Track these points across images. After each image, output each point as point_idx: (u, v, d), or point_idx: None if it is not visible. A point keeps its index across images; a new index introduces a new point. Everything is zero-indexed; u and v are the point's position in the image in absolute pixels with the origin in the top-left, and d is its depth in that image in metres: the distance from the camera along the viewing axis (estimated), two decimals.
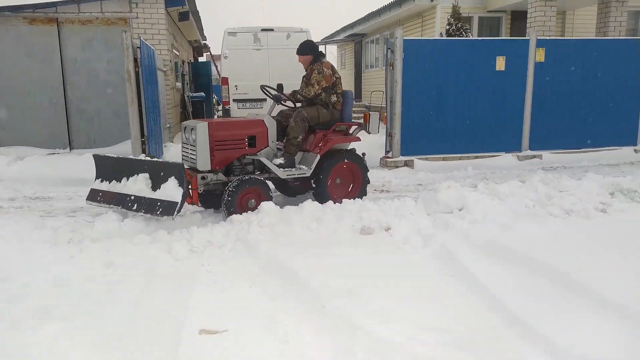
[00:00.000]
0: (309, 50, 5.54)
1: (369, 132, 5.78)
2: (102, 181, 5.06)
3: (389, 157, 7.71)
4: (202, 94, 14.63)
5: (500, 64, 7.85)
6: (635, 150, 8.34)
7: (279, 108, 5.84)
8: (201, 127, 4.89)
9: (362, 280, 3.37)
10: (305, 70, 5.58)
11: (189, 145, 5.10)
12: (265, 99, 9.45)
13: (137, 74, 7.10)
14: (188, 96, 13.84)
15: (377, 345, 2.56)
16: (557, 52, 7.97)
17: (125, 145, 8.20)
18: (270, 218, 4.60)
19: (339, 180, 5.60)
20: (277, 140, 5.39)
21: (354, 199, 5.19)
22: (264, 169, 5.34)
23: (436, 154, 7.81)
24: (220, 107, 14.53)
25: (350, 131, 5.74)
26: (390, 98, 7.66)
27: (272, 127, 5.31)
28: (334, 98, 5.53)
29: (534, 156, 7.97)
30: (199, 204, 5.27)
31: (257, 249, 4.01)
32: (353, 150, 5.74)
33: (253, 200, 4.97)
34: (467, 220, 4.57)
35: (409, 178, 7.08)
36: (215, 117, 15.25)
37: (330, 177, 5.44)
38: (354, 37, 18.82)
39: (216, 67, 18.41)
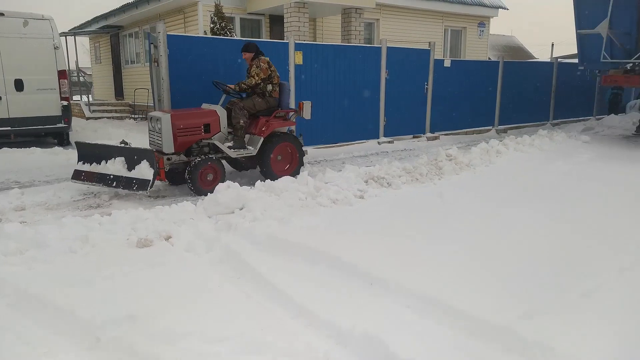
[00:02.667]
0: (251, 49, 6.65)
1: (304, 118, 6.96)
2: (83, 163, 6.01)
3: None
4: None
5: None
6: (378, 143, 9.78)
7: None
8: (165, 118, 5.88)
9: (143, 301, 3.07)
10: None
11: (154, 132, 6.05)
12: None
13: None
14: None
15: None
16: (313, 55, 8.74)
17: None
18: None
19: (280, 158, 6.69)
20: (228, 126, 6.44)
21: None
22: (218, 150, 6.24)
23: None
24: None
25: (288, 117, 6.89)
26: (158, 97, 7.22)
27: (223, 116, 6.36)
28: (269, 87, 6.59)
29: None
30: (166, 180, 6.19)
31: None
32: (291, 133, 6.98)
33: (211, 175, 6.01)
34: (248, 219, 4.63)
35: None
36: None
37: (273, 155, 6.53)
38: (109, 30, 17.20)
39: None
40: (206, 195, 5.19)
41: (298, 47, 8.57)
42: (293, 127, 7.58)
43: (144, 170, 5.54)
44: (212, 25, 9.78)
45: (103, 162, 5.85)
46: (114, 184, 5.68)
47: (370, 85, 9.64)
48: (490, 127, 12.15)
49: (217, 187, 5.10)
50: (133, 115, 14.95)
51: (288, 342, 2.64)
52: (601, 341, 2.55)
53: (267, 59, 6.62)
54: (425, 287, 3.20)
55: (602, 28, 9.03)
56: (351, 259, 3.65)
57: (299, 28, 11.40)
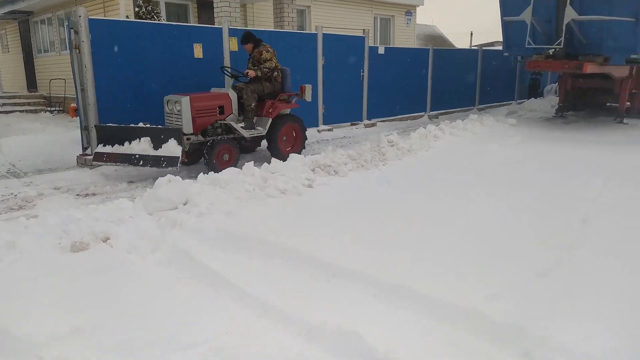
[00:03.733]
0: (251, 39, 7.05)
1: (306, 100, 7.39)
2: (104, 145, 6.09)
3: (88, 155, 6.69)
4: None
5: (198, 51, 7.78)
6: (318, 131, 9.66)
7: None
8: (185, 100, 6.16)
9: (89, 312, 2.75)
10: (250, 54, 7.09)
11: (173, 114, 6.32)
12: None
13: None
14: None
15: None
16: None
17: None
18: None
19: (285, 138, 7.15)
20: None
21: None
22: (229, 131, 6.67)
23: None
24: None
25: (291, 100, 7.27)
26: (80, 86, 6.62)
27: (234, 99, 6.73)
28: (275, 72, 7.02)
29: None
30: (186, 160, 6.31)
31: None
32: (295, 114, 7.29)
33: (227, 155, 6.38)
34: (194, 214, 4.35)
35: (115, 176, 6.31)
36: None
37: (280, 135, 7.01)
38: (16, 15, 15.65)
39: None
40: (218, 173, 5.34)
41: (232, 32, 8.22)
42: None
43: (172, 148, 5.79)
44: (137, 9, 9.14)
45: (126, 143, 6.00)
46: (141, 163, 5.87)
47: (308, 73, 9.48)
48: (423, 113, 12.45)
49: (158, 182, 4.74)
50: (49, 108, 13.77)
51: (258, 343, 2.46)
52: (569, 318, 2.61)
53: (269, 46, 7.09)
54: (387, 274, 3.14)
55: (527, 15, 9.46)
56: (309, 251, 3.52)
57: (230, 14, 10.96)
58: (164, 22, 8.65)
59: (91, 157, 6.54)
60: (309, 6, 15.11)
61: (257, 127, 6.82)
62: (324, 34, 9.62)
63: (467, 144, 7.90)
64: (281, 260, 3.50)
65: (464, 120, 9.28)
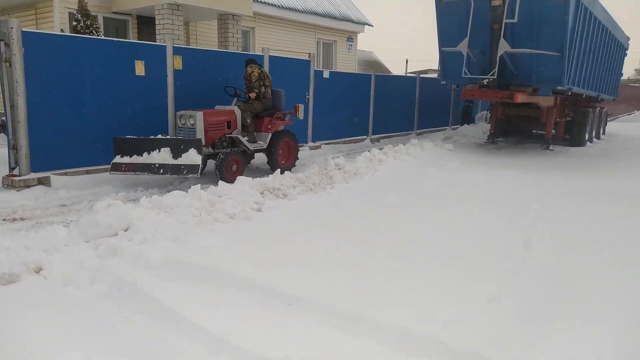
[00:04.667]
0: (251, 62, 7.84)
1: (299, 118, 8.13)
2: (122, 156, 6.48)
3: (15, 176, 6.19)
4: None
5: (140, 68, 7.50)
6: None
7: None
8: (199, 115, 6.76)
9: (22, 355, 2.48)
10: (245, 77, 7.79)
11: (186, 128, 6.83)
12: None
13: None
14: None
15: None
16: (195, 61, 8.24)
17: None
18: None
19: (281, 152, 7.73)
20: None
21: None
22: (234, 144, 7.26)
23: (78, 166, 6.76)
24: None
25: (286, 118, 7.97)
26: (10, 102, 6.14)
27: (238, 115, 7.36)
28: (262, 89, 7.66)
29: None
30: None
31: None
32: (289, 130, 7.97)
33: (235, 166, 6.91)
34: (137, 241, 4.11)
35: (46, 199, 5.85)
36: None
37: (278, 148, 7.63)
38: None
39: None
40: (232, 183, 5.77)
41: (177, 51, 8.01)
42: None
43: (193, 157, 6.18)
44: (75, 24, 8.70)
45: (145, 154, 6.37)
46: (161, 171, 6.25)
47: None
48: (365, 137, 12.68)
49: (96, 207, 4.45)
50: None
51: None
52: (526, 343, 2.67)
53: (259, 67, 7.85)
54: (344, 302, 3.09)
55: (463, 46, 9.97)
56: (263, 280, 3.40)
57: (172, 31, 10.73)
58: (103, 37, 8.28)
59: (19, 177, 6.08)
60: (253, 27, 15.12)
61: (259, 142, 7.50)
62: (270, 56, 9.61)
63: (410, 168, 8.10)
64: (234, 290, 3.35)
65: (406, 145, 9.54)
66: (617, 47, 14.18)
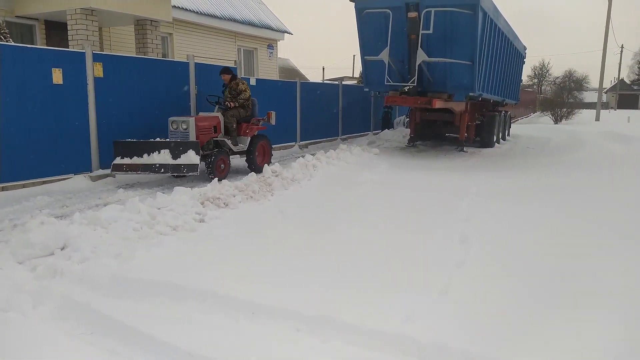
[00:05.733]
0: (229, 72, 8.54)
1: (272, 124, 9.07)
2: (122, 158, 7.12)
3: None
4: None
5: (58, 76, 7.01)
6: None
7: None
8: (191, 120, 7.53)
9: None
10: (226, 84, 8.54)
11: (178, 132, 7.55)
12: None
13: None
14: None
15: None
16: (117, 68, 7.85)
17: None
18: None
19: (257, 153, 8.50)
20: None
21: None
22: (218, 146, 7.97)
23: None
24: None
25: (260, 124, 8.83)
26: None
27: (222, 120, 8.11)
28: (248, 101, 8.53)
29: (107, 175, 7.59)
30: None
31: None
32: (263, 134, 8.90)
33: (223, 165, 7.72)
34: (77, 260, 3.89)
35: None
36: None
37: (257, 150, 8.46)
38: None
39: None
40: (220, 180, 6.42)
41: (97, 57, 7.60)
42: None
43: (192, 157, 6.87)
44: None
45: (145, 155, 7.01)
46: (162, 171, 6.98)
47: (179, 102, 9.16)
48: (294, 143, 12.80)
49: (28, 225, 4.12)
50: None
51: None
52: (489, 334, 2.89)
53: (243, 79, 8.75)
54: (306, 306, 3.14)
55: (384, 55, 10.44)
56: (223, 290, 3.37)
57: (87, 37, 10.11)
58: (13, 43, 7.63)
59: None
60: (171, 34, 14.67)
61: (240, 144, 8.30)
62: (196, 63, 9.41)
63: (343, 172, 8.33)
64: (193, 303, 3.29)
65: (336, 150, 9.78)
66: (517, 56, 15.59)
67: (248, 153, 8.45)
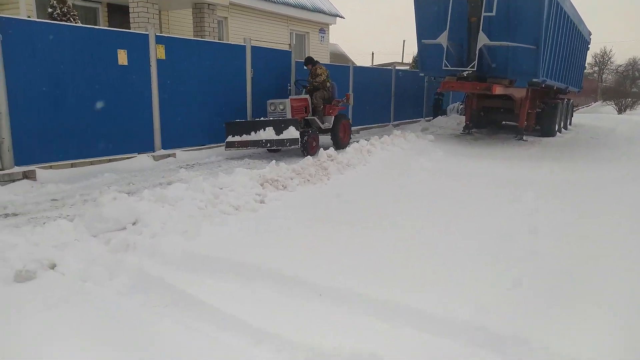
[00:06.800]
0: (311, 61, 9.50)
1: (350, 104, 10.41)
2: (233, 136, 8.18)
3: None
4: None
5: (123, 58, 7.23)
6: None
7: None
8: (287, 101, 8.50)
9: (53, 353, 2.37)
10: (310, 72, 9.42)
11: (276, 112, 8.50)
12: None
13: None
14: None
15: None
16: (178, 51, 8.02)
17: None
18: None
19: (340, 130, 9.44)
20: None
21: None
22: (308, 125, 8.97)
23: (63, 160, 6.48)
24: None
25: (340, 104, 9.71)
26: None
27: (310, 102, 9.09)
28: (328, 83, 9.36)
29: (169, 155, 7.81)
30: None
31: None
32: (345, 114, 10.04)
33: (315, 142, 8.52)
34: (147, 235, 3.99)
35: (35, 193, 5.57)
36: None
37: (339, 128, 9.41)
38: None
39: None
40: (312, 156, 7.34)
41: (159, 40, 7.77)
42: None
43: (293, 132, 7.85)
44: (50, 10, 8.27)
45: (252, 133, 8.02)
46: (268, 145, 8.02)
47: (237, 84, 9.26)
48: None
49: (101, 200, 4.28)
50: None
51: None
52: (563, 326, 2.75)
53: (322, 66, 9.59)
54: (374, 290, 3.10)
55: (443, 39, 10.13)
56: (291, 271, 3.37)
57: (148, 20, 10.38)
58: (79, 24, 7.91)
59: (3, 172, 5.78)
60: (226, 17, 14.82)
61: (326, 123, 9.20)
62: (252, 47, 9.47)
63: (398, 159, 8.20)
64: (260, 282, 3.31)
65: (390, 136, 9.63)
66: (582, 42, 14.76)
67: (332, 131, 9.37)
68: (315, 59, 9.66)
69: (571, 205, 5.32)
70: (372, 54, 61.19)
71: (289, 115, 8.33)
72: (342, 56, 40.24)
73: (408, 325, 2.79)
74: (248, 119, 9.15)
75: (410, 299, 3.00)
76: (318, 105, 9.13)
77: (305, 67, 9.59)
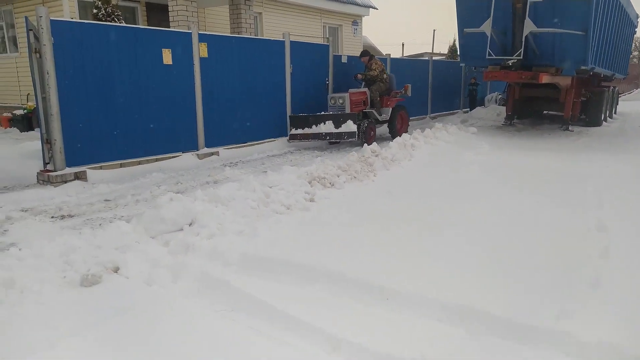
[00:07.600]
0: (367, 54, 9.86)
1: (408, 95, 10.29)
2: (295, 129, 9.00)
3: (51, 171, 5.98)
4: None
5: (167, 57, 7.26)
6: (288, 140, 9.34)
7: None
8: (346, 95, 9.02)
9: None
10: (366, 65, 9.75)
11: (337, 106, 9.06)
12: None
13: None
14: None
15: None
16: (220, 48, 8.01)
17: None
18: None
19: (397, 121, 9.95)
20: None
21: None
22: (366, 117, 9.32)
23: (112, 160, 6.57)
24: None
25: (398, 96, 10.10)
26: (42, 94, 5.91)
27: (368, 95, 9.51)
28: (384, 75, 9.79)
29: (212, 153, 7.83)
30: None
31: None
32: (402, 104, 10.25)
33: (372, 132, 9.08)
34: (204, 236, 3.97)
35: (87, 194, 5.66)
36: None
37: (397, 119, 9.93)
38: None
39: None
40: (370, 145, 7.10)
41: (202, 38, 7.78)
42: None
43: (351, 126, 8.44)
44: (95, 11, 8.40)
45: (313, 126, 8.74)
46: (327, 137, 8.70)
47: (276, 80, 9.22)
48: None
49: (159, 202, 4.27)
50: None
51: None
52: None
53: (378, 60, 9.98)
54: (444, 294, 2.97)
55: (487, 27, 9.81)
56: (353, 274, 3.28)
57: (187, 18, 10.42)
58: (125, 25, 8.01)
59: (55, 173, 5.89)
60: (260, 13, 14.80)
61: (383, 115, 9.62)
62: (291, 42, 9.39)
63: (444, 153, 7.99)
64: (322, 285, 3.23)
65: (432, 129, 9.40)
66: (629, 25, 14.08)
67: (390, 122, 9.81)
68: (367, 51, 10.03)
69: (636, 200, 5.03)
70: (402, 45, 60.06)
71: (347, 109, 8.81)
72: (371, 48, 39.75)
73: (486, 334, 2.66)
74: (289, 114, 9.45)
75: (486, 305, 2.84)
76: (375, 98, 9.52)
77: (361, 60, 9.86)
